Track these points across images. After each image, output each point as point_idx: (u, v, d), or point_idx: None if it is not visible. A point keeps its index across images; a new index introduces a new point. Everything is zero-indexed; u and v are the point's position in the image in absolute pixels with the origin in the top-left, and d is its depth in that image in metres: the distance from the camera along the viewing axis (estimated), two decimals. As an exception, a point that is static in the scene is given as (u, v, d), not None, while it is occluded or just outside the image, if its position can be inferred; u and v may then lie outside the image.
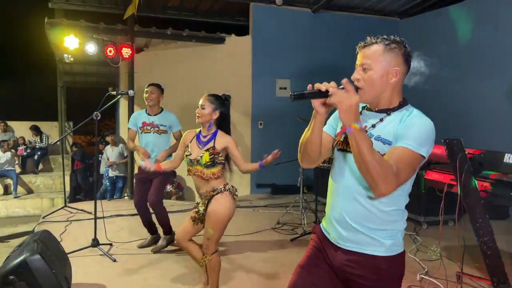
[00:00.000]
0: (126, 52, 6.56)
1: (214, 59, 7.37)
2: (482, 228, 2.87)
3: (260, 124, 7.57)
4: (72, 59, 6.66)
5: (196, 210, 3.11)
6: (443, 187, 3.21)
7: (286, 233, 5.11)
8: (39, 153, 10.45)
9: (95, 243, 4.35)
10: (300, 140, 1.75)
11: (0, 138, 9.95)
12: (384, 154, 1.57)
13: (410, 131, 1.56)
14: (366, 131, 1.63)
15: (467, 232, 3.19)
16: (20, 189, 9.57)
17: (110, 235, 4.61)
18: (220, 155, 2.97)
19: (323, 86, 1.58)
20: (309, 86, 1.62)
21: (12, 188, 9.42)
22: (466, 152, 2.82)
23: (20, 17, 12.65)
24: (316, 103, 1.63)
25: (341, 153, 1.74)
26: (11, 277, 2.69)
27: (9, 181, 9.60)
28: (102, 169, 8.70)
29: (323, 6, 7.51)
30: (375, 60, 1.64)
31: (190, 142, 3.10)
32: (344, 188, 1.69)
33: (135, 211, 4.59)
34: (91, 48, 6.33)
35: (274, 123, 7.52)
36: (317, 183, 5.60)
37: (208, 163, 2.93)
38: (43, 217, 5.82)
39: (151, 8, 7.40)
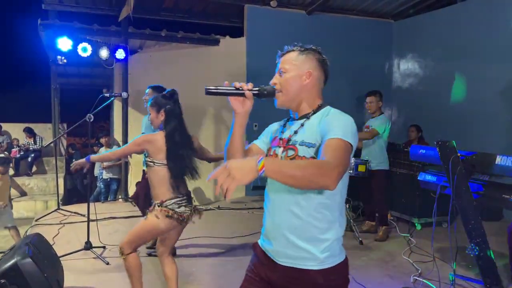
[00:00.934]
0: (120, 53, 6.54)
1: (209, 60, 7.36)
2: (474, 229, 2.88)
3: (255, 126, 7.56)
4: (65, 60, 6.62)
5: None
6: (436, 189, 3.22)
7: (281, 235, 5.10)
8: (32, 155, 10.37)
9: (88, 246, 4.32)
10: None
11: (-6, 140, 9.89)
12: (311, 157, 1.59)
13: (334, 125, 1.57)
14: (290, 139, 1.68)
15: (460, 233, 3.21)
16: (13, 191, 9.47)
17: (103, 238, 4.58)
18: (146, 156, 2.94)
19: (237, 84, 1.63)
20: (226, 83, 1.64)
21: (5, 191, 9.35)
22: (459, 154, 2.83)
23: (13, 19, 12.60)
24: (233, 101, 1.66)
25: None
26: (2, 280, 2.67)
27: (2, 183, 9.52)
28: (97, 171, 8.65)
29: (317, 8, 7.53)
30: (289, 64, 1.73)
31: None
32: (278, 200, 1.67)
33: (129, 214, 4.58)
34: (85, 49, 6.30)
35: (269, 125, 7.51)
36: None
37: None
38: (36, 220, 5.78)
39: (146, 10, 7.38)
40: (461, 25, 6.77)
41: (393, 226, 5.37)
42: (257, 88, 1.65)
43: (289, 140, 1.68)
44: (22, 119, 11.46)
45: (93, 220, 4.61)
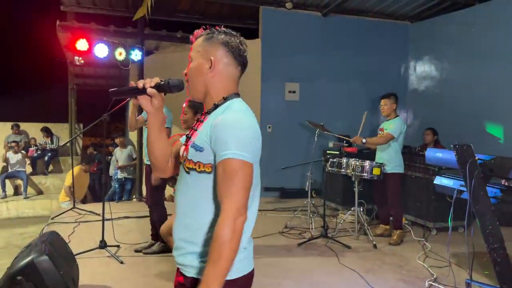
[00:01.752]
0: (136, 54, 6.60)
1: (223, 62, 7.38)
2: (492, 235, 2.83)
3: (269, 127, 7.56)
4: (82, 61, 6.72)
5: None
6: (453, 193, 3.17)
7: (294, 237, 5.09)
8: (49, 154, 10.56)
9: (103, 244, 4.36)
10: None
11: (12, 139, 10.08)
12: (198, 162, 1.41)
13: (226, 134, 1.35)
14: (190, 137, 1.51)
15: (476, 238, 3.15)
16: (30, 190, 9.67)
17: (118, 237, 4.62)
18: None
19: (140, 83, 1.48)
20: (131, 83, 1.51)
21: (22, 189, 9.52)
22: (476, 158, 2.79)
23: (32, 20, 12.84)
24: (141, 101, 1.50)
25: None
26: (19, 277, 2.71)
27: (19, 181, 9.70)
28: (112, 171, 8.75)
29: (333, 9, 7.50)
30: (195, 51, 1.54)
31: None
32: (177, 203, 1.53)
33: (143, 213, 4.61)
34: (101, 50, 6.38)
35: (283, 126, 7.51)
36: (325, 187, 5.57)
37: None
38: (52, 218, 5.86)
39: (161, 11, 7.44)
40: (480, 27, 6.66)
41: (407, 230, 5.30)
42: (157, 83, 1.47)
43: (189, 138, 1.51)
44: (39, 119, 11.67)
45: (108, 219, 4.66)
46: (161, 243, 4.35)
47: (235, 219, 1.30)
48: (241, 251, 1.39)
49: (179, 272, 1.54)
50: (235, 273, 1.40)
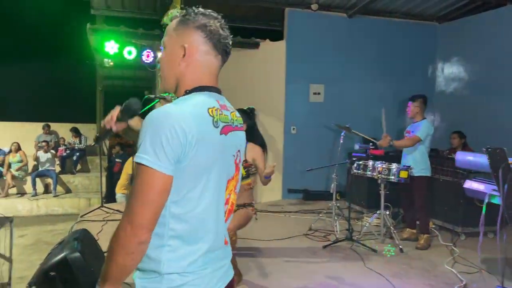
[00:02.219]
0: (163, 56, 6.71)
1: (249, 64, 7.41)
2: (525, 241, 2.76)
3: (293, 129, 7.56)
4: (112, 63, 6.86)
5: None
6: (483, 197, 3.10)
7: (318, 239, 5.07)
8: (77, 154, 10.83)
9: (130, 243, 4.44)
10: None
11: (42, 139, 10.38)
12: None
13: (141, 135, 1.12)
14: None
15: (508, 244, 3.07)
16: (59, 188, 9.94)
17: (144, 236, 4.70)
18: (252, 167, 3.28)
19: (107, 124, 1.50)
20: (103, 123, 1.56)
21: (52, 187, 9.80)
22: (510, 162, 2.72)
23: (64, 24, 13.22)
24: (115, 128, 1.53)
25: None
26: (52, 273, 2.79)
27: (49, 180, 9.98)
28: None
29: (359, 11, 7.43)
30: (168, 36, 1.30)
31: None
32: None
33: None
34: (130, 53, 6.51)
35: (307, 128, 7.49)
36: (350, 190, 5.53)
37: (244, 176, 3.15)
38: (81, 216, 6.00)
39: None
40: (511, 28, 6.49)
41: (435, 234, 5.21)
42: (117, 116, 1.53)
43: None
44: (69, 119, 11.98)
45: (135, 218, 4.73)
46: None
47: (129, 237, 1.12)
48: (173, 280, 1.19)
49: None
50: None
